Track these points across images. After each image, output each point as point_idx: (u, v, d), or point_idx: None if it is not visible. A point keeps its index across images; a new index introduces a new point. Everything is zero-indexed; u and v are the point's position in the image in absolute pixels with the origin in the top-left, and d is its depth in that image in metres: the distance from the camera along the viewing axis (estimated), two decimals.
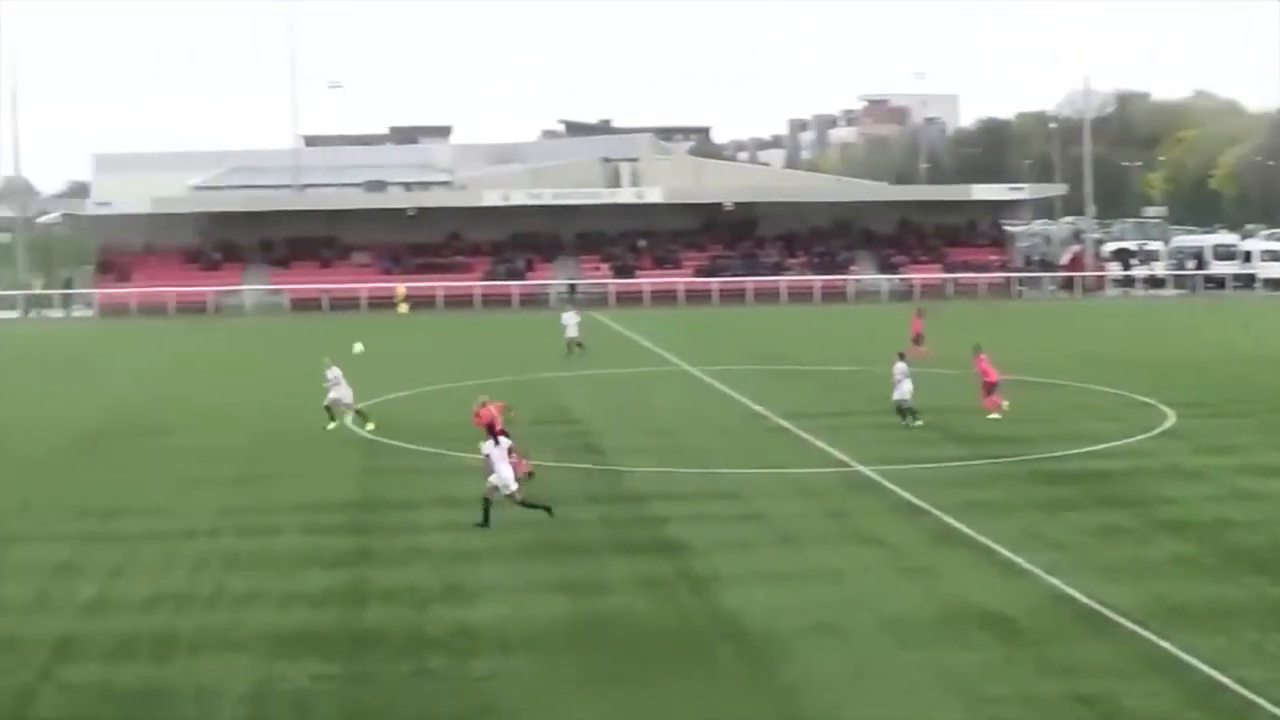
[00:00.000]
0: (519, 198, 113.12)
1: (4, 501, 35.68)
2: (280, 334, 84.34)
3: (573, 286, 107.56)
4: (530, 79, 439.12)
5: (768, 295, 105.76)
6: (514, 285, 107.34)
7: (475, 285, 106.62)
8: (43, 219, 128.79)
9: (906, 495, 34.35)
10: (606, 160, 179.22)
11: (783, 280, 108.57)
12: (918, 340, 60.79)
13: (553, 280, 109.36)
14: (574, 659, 22.58)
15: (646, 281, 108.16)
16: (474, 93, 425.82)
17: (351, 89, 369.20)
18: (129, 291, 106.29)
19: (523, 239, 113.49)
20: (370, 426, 45.15)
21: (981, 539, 29.82)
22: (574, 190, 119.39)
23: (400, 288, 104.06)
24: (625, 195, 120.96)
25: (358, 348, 50.03)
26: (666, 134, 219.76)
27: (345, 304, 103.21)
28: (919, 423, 44.09)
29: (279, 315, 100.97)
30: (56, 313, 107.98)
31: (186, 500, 35.35)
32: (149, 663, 22.76)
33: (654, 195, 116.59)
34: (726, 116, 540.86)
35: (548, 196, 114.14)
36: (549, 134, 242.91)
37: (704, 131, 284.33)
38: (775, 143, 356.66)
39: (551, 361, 62.82)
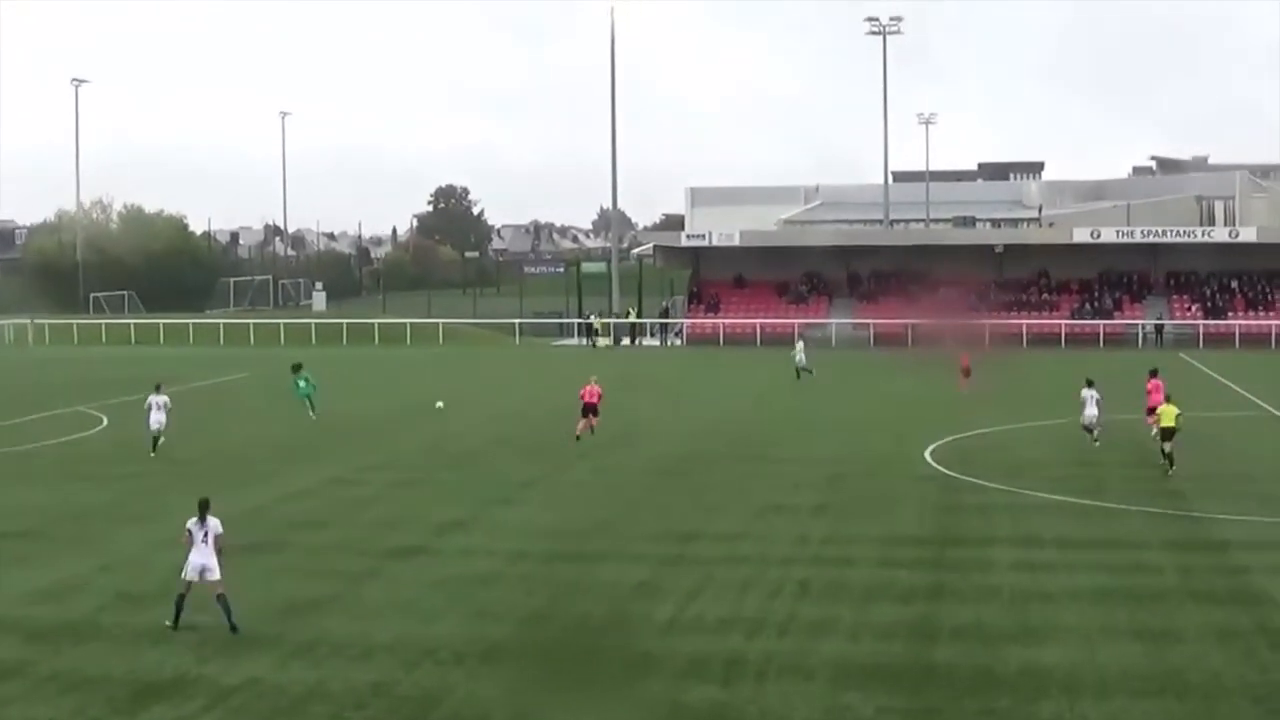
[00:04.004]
0: (1109, 235, 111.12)
1: (589, 522, 37.17)
2: (862, 367, 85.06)
3: (1160, 326, 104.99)
4: (1123, 115, 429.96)
5: None
6: (1101, 324, 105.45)
7: (1061, 323, 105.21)
8: (636, 250, 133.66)
9: None
10: (1199, 198, 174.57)
11: None
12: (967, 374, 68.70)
13: (1140, 320, 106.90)
14: (1143, 706, 22.01)
15: (1238, 323, 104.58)
16: (1068, 129, 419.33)
17: (941, 125, 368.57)
18: (717, 321, 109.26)
19: (1111, 277, 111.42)
20: (154, 454, 48.55)
21: None
22: (1165, 228, 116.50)
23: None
24: (1218, 234, 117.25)
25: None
26: (1263, 171, 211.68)
27: (930, 339, 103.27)
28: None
29: (862, 349, 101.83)
30: (651, 340, 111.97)
31: (765, 527, 36.10)
32: (717, 685, 23.24)
33: (1248, 234, 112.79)
34: None
35: (1138, 234, 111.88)
36: (1140, 170, 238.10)
37: None
38: None
39: (1135, 403, 61.38)
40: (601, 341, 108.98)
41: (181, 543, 27.12)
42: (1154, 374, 50.81)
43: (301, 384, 58.19)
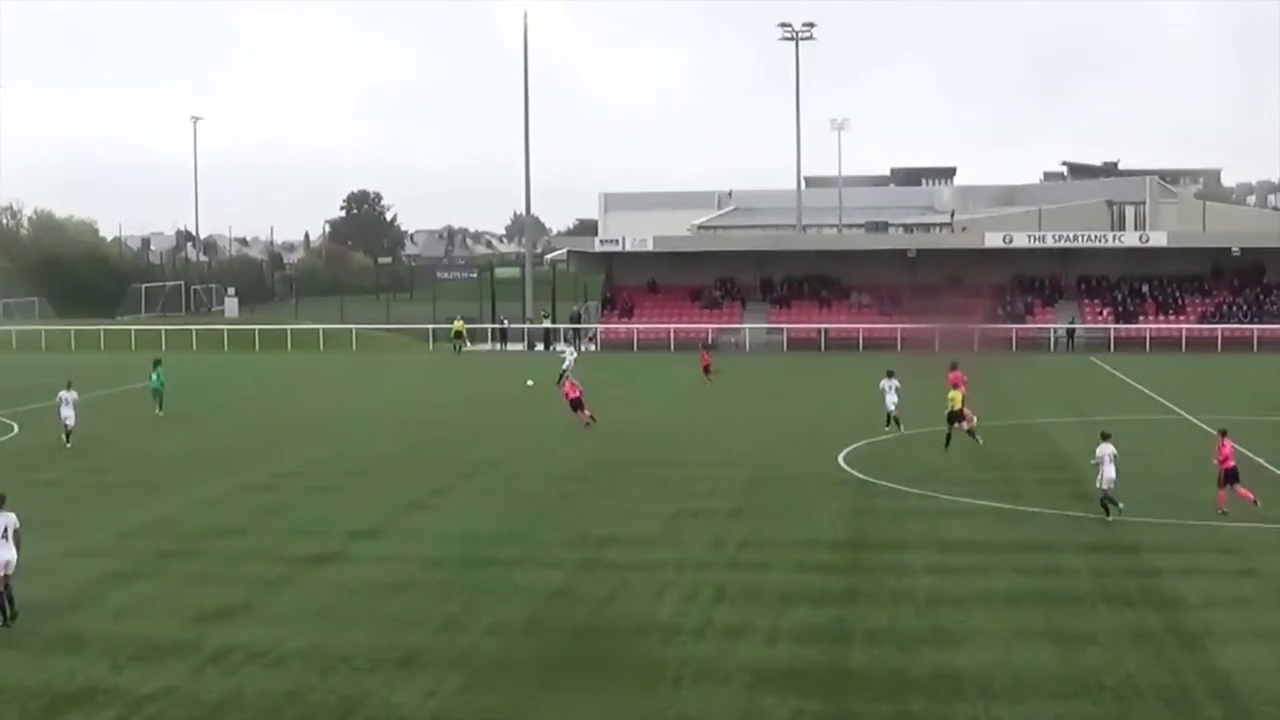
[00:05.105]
0: (1021, 240, 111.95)
1: (504, 527, 37.04)
2: (777, 372, 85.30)
3: (1071, 330, 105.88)
4: (1035, 121, 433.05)
5: (1276, 344, 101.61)
6: (1013, 328, 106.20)
7: (974, 327, 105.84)
8: (550, 255, 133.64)
9: None
10: (1110, 203, 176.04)
11: None
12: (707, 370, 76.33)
13: (1053, 324, 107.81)
14: (1057, 709, 22.17)
15: (1149, 327, 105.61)
16: (979, 134, 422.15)
17: (854, 130, 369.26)
18: (630, 327, 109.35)
19: (1024, 281, 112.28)
20: (69, 445, 51.87)
21: None
22: (1077, 232, 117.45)
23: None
24: (1129, 238, 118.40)
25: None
26: (1173, 176, 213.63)
27: (842, 344, 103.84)
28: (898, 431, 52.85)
29: (776, 354, 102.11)
30: (563, 347, 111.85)
31: (681, 532, 36.12)
32: (634, 690, 23.24)
33: (1158, 239, 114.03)
34: (1237, 158, 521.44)
35: (1050, 239, 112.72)
36: (1051, 176, 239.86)
37: (1214, 174, 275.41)
38: None
39: (1048, 407, 61.90)
40: (462, 346, 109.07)
41: None
42: (954, 367, 54.32)
43: (154, 378, 62.89)
